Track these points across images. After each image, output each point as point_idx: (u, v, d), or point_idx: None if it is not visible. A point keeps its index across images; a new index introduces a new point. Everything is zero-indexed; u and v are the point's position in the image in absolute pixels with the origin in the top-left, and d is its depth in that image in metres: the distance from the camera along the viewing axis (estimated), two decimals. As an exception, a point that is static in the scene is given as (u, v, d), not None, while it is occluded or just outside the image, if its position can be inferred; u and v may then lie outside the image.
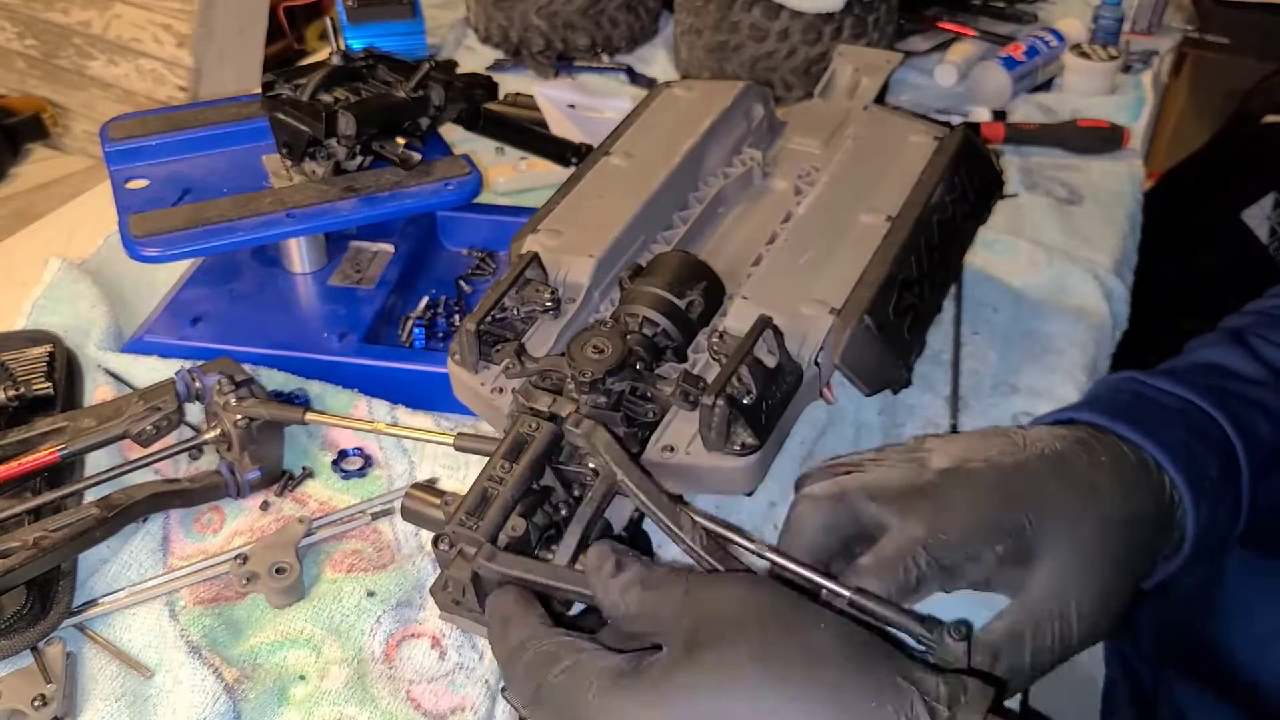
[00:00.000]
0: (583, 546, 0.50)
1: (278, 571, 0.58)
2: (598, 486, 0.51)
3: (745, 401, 0.55)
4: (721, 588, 0.42)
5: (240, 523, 0.63)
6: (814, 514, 0.53)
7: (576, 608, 0.51)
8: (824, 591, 0.47)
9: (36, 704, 0.52)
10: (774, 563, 0.49)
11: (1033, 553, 0.50)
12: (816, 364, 0.60)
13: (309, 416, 0.62)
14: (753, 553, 0.50)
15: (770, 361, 0.57)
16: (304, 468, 0.66)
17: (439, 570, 0.49)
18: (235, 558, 0.59)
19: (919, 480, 0.52)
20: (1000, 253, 0.88)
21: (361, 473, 0.66)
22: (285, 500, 0.64)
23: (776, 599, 0.41)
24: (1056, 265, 0.87)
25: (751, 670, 0.38)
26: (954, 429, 0.72)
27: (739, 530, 0.49)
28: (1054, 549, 0.50)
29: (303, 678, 0.55)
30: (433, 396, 0.70)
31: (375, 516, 0.63)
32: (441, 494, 0.54)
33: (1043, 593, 0.49)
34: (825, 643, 0.39)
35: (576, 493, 0.54)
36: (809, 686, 0.38)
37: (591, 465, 0.53)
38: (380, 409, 0.69)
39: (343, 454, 0.67)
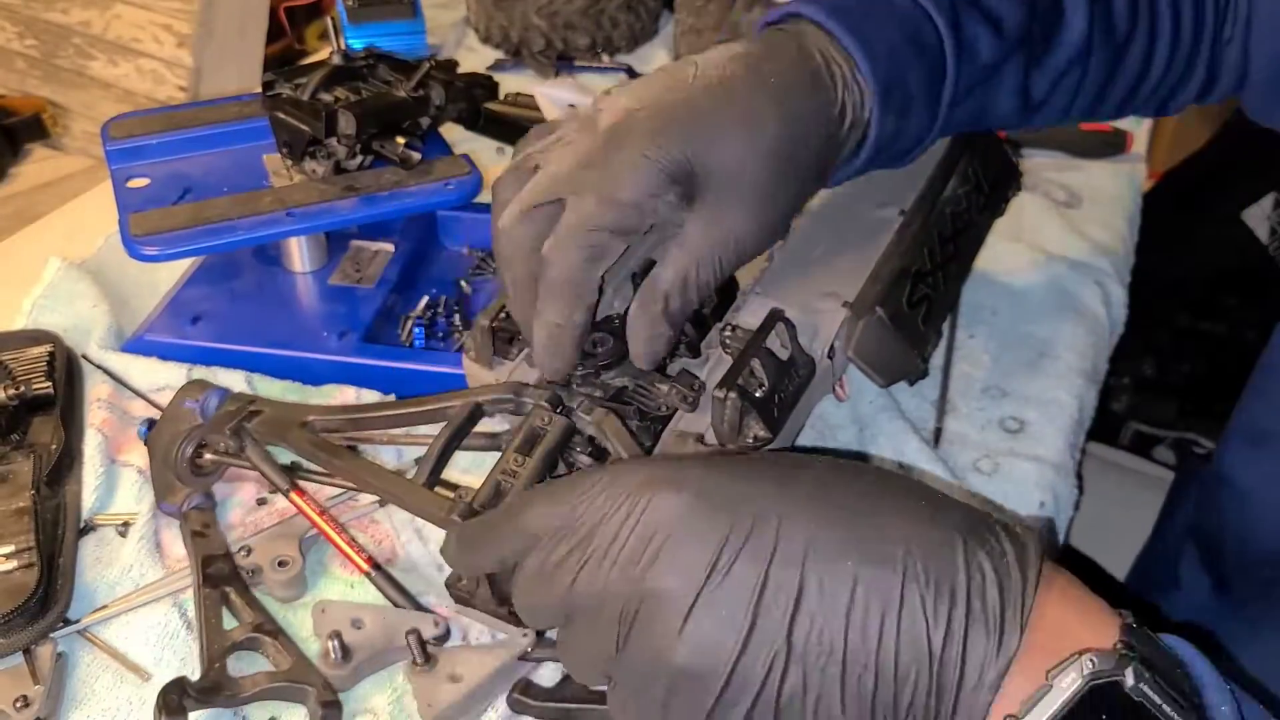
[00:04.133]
0: None
1: (280, 565, 0.58)
2: None
3: (757, 394, 0.55)
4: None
5: (234, 517, 0.63)
6: (513, 243, 0.53)
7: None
8: None
9: (18, 704, 0.51)
10: None
11: (696, 193, 0.52)
12: (830, 357, 0.60)
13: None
14: None
15: (783, 354, 0.57)
16: (293, 462, 0.66)
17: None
18: (240, 550, 0.59)
19: (589, 149, 0.52)
20: (999, 255, 0.88)
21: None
22: (278, 496, 0.64)
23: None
24: (1055, 268, 0.87)
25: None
26: (938, 432, 0.72)
27: None
28: (713, 187, 0.52)
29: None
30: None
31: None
32: (455, 487, 0.54)
33: (702, 232, 0.52)
34: None
35: None
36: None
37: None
38: (369, 400, 0.70)
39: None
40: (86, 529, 0.62)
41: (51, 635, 0.55)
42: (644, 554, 0.38)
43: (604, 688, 0.41)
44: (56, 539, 0.59)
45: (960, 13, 0.58)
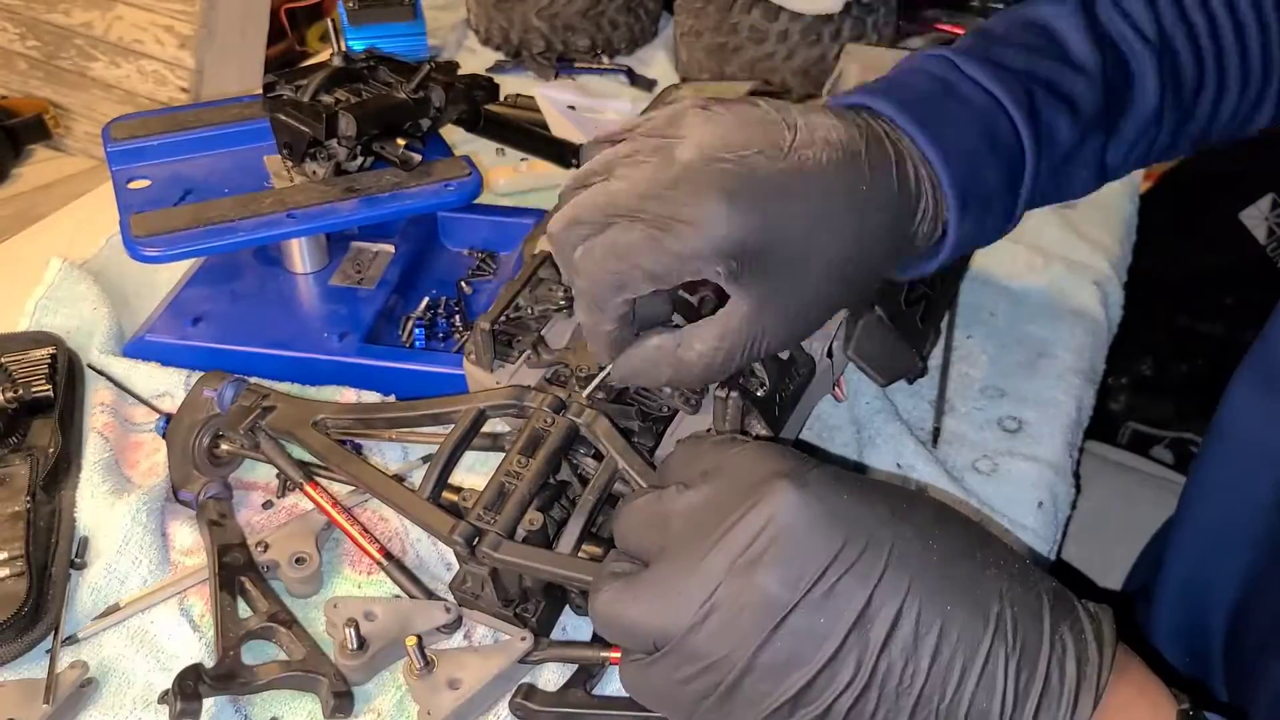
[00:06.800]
0: (586, 535, 0.51)
1: (297, 561, 0.58)
2: (600, 474, 0.52)
3: (759, 394, 0.55)
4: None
5: (241, 518, 0.63)
6: (561, 250, 0.50)
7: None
8: None
9: None
10: None
11: (750, 273, 0.47)
12: (829, 356, 0.60)
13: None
14: None
15: (783, 354, 0.57)
16: (300, 463, 0.66)
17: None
18: (257, 546, 0.59)
19: (657, 181, 0.47)
20: (997, 255, 0.88)
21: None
22: (286, 500, 0.65)
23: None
24: (1053, 269, 0.87)
25: None
26: (937, 432, 0.72)
27: None
28: (771, 276, 0.48)
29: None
30: (432, 396, 0.70)
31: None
32: (459, 490, 0.55)
33: (745, 318, 0.48)
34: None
35: None
36: None
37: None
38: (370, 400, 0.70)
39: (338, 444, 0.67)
40: (80, 565, 0.60)
41: (82, 658, 0.55)
42: (754, 542, 0.38)
43: (640, 655, 0.41)
44: (50, 547, 0.59)
45: (1036, 100, 0.55)
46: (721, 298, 0.62)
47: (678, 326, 0.52)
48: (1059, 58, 0.57)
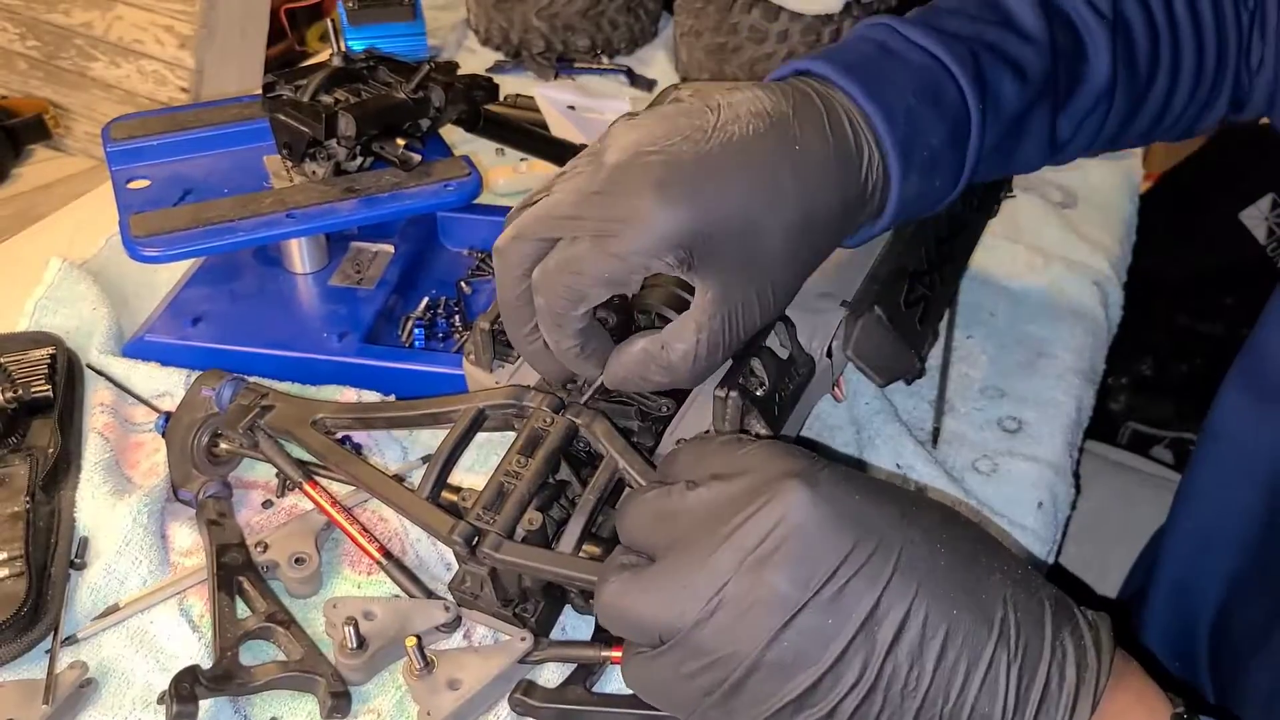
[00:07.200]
0: (587, 534, 0.51)
1: (296, 561, 0.58)
2: (600, 474, 0.52)
3: (758, 393, 0.55)
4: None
5: (241, 518, 0.63)
6: (505, 265, 0.50)
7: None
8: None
9: None
10: None
11: (703, 259, 0.47)
12: (828, 356, 0.60)
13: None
14: None
15: (782, 353, 0.58)
16: (299, 462, 0.66)
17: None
18: (256, 546, 0.59)
19: (590, 187, 0.47)
20: (997, 256, 0.88)
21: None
22: (285, 499, 0.65)
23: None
24: (1053, 269, 0.87)
25: None
26: (936, 432, 0.72)
27: None
28: (723, 255, 0.47)
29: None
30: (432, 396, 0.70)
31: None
32: (459, 490, 0.55)
33: (713, 306, 0.48)
34: None
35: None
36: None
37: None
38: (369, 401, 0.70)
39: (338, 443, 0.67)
40: (80, 566, 0.60)
41: (81, 658, 0.55)
42: (765, 540, 0.39)
43: (645, 648, 0.41)
44: (49, 547, 0.59)
45: (981, 62, 0.55)
46: None
47: (661, 327, 0.52)
48: (1004, 25, 0.57)
